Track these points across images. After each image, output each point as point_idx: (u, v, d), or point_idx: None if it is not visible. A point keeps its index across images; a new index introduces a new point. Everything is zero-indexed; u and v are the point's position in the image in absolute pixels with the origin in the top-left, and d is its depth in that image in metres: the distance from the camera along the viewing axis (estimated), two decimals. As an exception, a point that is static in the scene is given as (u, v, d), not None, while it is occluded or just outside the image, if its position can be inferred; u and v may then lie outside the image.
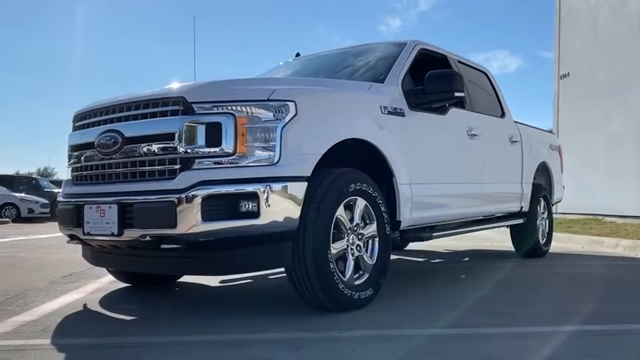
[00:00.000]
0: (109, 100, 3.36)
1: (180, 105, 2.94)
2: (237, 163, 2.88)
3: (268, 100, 2.96)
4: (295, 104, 3.00)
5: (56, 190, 23.12)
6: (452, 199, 4.40)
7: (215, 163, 2.88)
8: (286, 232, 2.92)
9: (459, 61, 5.12)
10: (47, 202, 19.72)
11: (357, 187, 3.29)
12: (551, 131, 11.36)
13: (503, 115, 5.63)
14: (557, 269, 5.33)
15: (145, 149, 3.01)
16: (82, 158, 3.36)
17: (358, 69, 4.33)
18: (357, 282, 3.30)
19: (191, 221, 2.79)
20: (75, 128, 3.54)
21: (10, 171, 65.57)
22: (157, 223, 2.87)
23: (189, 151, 2.89)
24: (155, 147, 2.97)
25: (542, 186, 6.44)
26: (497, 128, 5.34)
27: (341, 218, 3.20)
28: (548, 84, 12.98)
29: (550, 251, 6.54)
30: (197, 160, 2.89)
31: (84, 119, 3.44)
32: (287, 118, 2.97)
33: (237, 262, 3.00)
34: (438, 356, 2.37)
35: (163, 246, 2.92)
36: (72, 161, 3.50)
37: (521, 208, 5.78)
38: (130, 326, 3.04)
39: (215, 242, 2.89)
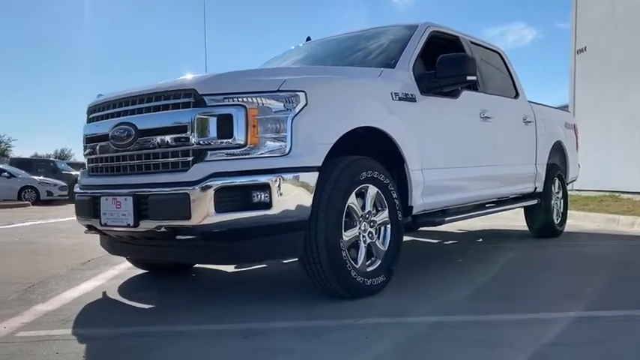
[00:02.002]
0: (122, 92, 3.39)
1: (191, 97, 2.96)
2: (249, 154, 2.90)
3: (278, 90, 2.97)
4: (305, 94, 3.01)
5: (74, 173, 23.45)
6: (464, 182, 4.40)
7: (227, 154, 2.92)
8: (298, 222, 2.96)
9: (472, 42, 5.06)
10: (65, 184, 20.01)
11: (369, 175, 3.31)
12: (566, 107, 11.21)
13: (517, 95, 5.57)
14: (570, 250, 5.32)
15: (158, 141, 3.05)
16: (97, 150, 3.41)
17: (369, 54, 4.30)
18: (370, 268, 3.34)
19: (205, 212, 2.83)
20: (89, 120, 3.58)
21: (28, 154, 66.51)
22: (171, 214, 2.92)
23: (201, 142, 2.92)
24: (168, 139, 3.01)
25: (557, 165, 6.39)
26: (511, 109, 5.29)
27: (353, 206, 3.23)
28: (565, 56, 12.75)
29: (565, 230, 6.54)
30: (210, 152, 2.92)
31: (98, 111, 3.48)
32: (297, 109, 2.98)
33: (251, 251, 3.05)
34: (450, 342, 2.41)
35: (178, 237, 2.98)
36: (87, 152, 3.55)
37: (535, 188, 5.75)
38: (149, 315, 3.12)
39: (229, 232, 2.93)
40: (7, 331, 2.70)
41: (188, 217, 2.85)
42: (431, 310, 3.02)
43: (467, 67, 3.90)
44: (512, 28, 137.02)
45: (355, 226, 3.27)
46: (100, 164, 3.41)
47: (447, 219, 4.11)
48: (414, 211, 3.81)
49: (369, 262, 3.37)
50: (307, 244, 3.04)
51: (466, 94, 4.40)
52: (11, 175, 19.73)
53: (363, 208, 3.33)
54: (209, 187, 2.83)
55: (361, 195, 3.33)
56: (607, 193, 10.94)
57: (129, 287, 3.81)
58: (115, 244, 3.60)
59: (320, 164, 3.01)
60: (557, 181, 6.33)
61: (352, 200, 3.23)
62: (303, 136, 2.97)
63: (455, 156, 4.25)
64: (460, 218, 4.38)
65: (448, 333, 2.60)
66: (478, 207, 4.84)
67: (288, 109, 2.97)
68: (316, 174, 2.99)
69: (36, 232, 7.80)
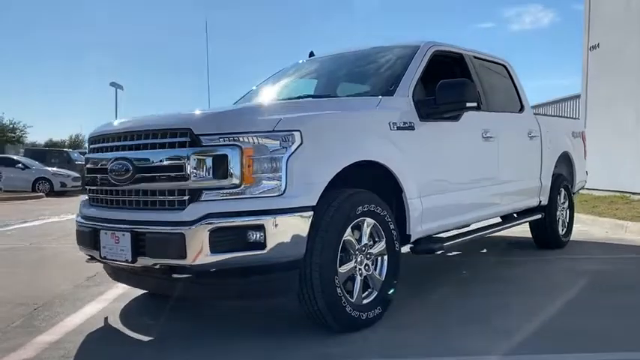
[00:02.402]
0: (120, 125, 3.44)
1: (187, 137, 2.99)
2: (244, 193, 2.93)
3: (274, 130, 2.98)
4: (301, 133, 3.02)
5: (87, 163, 23.67)
6: (465, 204, 4.39)
7: (223, 194, 2.95)
8: (293, 262, 2.99)
9: (476, 57, 5.02)
10: (78, 175, 20.25)
11: (365, 209, 3.32)
12: (579, 97, 10.97)
13: (522, 109, 5.52)
14: (572, 267, 5.29)
15: (155, 178, 3.08)
16: (97, 181, 3.46)
17: (369, 77, 4.30)
18: (366, 300, 3.37)
19: (200, 253, 2.87)
20: (90, 150, 3.62)
21: (43, 139, 67.14)
22: (167, 253, 2.97)
23: (197, 182, 2.95)
24: (164, 177, 3.05)
25: (564, 176, 6.34)
26: (515, 125, 5.26)
27: (349, 240, 3.25)
28: (582, 38, 12.44)
29: (573, 238, 6.55)
30: (205, 192, 2.96)
31: (98, 142, 3.52)
32: (292, 148, 2.99)
33: (247, 289, 3.10)
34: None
35: (175, 275, 3.03)
36: (87, 180, 3.60)
37: (540, 202, 5.72)
38: (148, 348, 3.18)
39: (224, 271, 2.98)
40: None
41: (184, 256, 2.90)
42: (423, 349, 3.03)
43: (466, 93, 3.89)
44: (529, 9, 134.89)
45: (351, 259, 3.29)
46: (101, 196, 3.45)
47: (445, 245, 4.11)
48: (413, 239, 3.83)
49: (366, 293, 3.40)
50: (302, 282, 3.07)
51: (468, 115, 4.36)
52: (25, 167, 20.00)
53: (359, 241, 3.35)
54: (204, 228, 2.86)
55: (358, 227, 3.35)
56: (618, 194, 10.82)
57: (131, 311, 3.88)
58: (117, 272, 3.66)
59: (315, 203, 3.03)
60: (563, 192, 6.29)
61: (348, 235, 3.24)
62: (298, 176, 2.98)
63: (455, 179, 4.24)
64: (460, 242, 4.37)
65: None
66: (479, 227, 4.85)
67: (283, 148, 2.98)
68: (311, 213, 3.01)
69: (46, 235, 7.94)
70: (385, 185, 3.64)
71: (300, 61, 5.23)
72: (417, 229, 3.83)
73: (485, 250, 6.37)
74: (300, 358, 2.91)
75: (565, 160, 6.44)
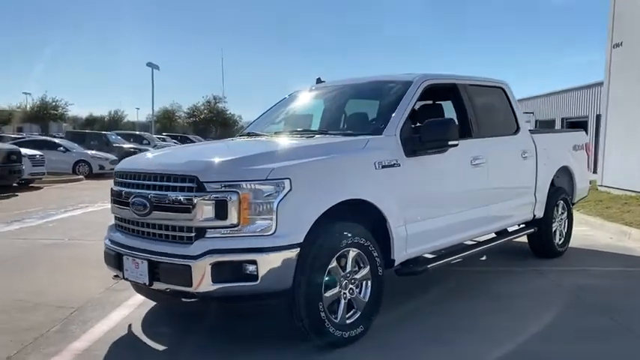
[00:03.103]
0: (141, 165, 3.99)
1: (194, 182, 3.51)
2: (241, 232, 3.45)
3: (267, 179, 3.47)
4: (290, 181, 3.51)
5: (125, 146, 24.69)
6: (452, 227, 4.79)
7: (223, 232, 3.47)
8: (281, 291, 3.51)
9: (471, 84, 5.38)
10: (116, 157, 21.15)
11: (349, 242, 3.80)
12: (597, 86, 10.92)
13: (517, 130, 5.85)
14: (563, 279, 5.66)
15: (167, 216, 3.63)
16: (121, 212, 4.03)
17: (363, 116, 4.75)
18: (349, 320, 3.86)
19: (203, 282, 3.42)
20: (116, 183, 4.18)
21: (84, 114, 69.27)
22: (177, 281, 3.53)
23: (202, 222, 3.48)
24: (175, 215, 3.59)
25: (562, 189, 6.67)
26: (508, 147, 5.62)
27: (334, 268, 3.74)
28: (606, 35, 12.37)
29: (574, 245, 7.00)
30: (208, 230, 3.49)
31: (122, 177, 4.08)
32: (283, 193, 3.48)
33: (242, 310, 3.65)
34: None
35: (184, 299, 3.59)
36: (114, 209, 4.18)
37: (535, 216, 6.08)
38: (162, 356, 3.77)
39: (224, 297, 3.53)
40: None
41: (190, 284, 3.45)
42: None
43: (449, 132, 4.30)
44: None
45: (336, 285, 3.78)
46: (124, 224, 4.03)
47: (429, 266, 4.57)
48: (397, 263, 4.29)
49: (350, 313, 3.89)
50: (291, 307, 3.60)
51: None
52: (66, 150, 21.05)
53: (344, 268, 3.84)
54: (207, 261, 3.41)
55: (343, 256, 3.83)
56: (634, 194, 10.96)
57: (150, 319, 4.46)
58: (138, 287, 4.24)
59: (301, 241, 3.53)
60: (561, 204, 6.62)
61: (333, 265, 3.73)
62: (286, 218, 3.48)
63: (441, 206, 4.66)
64: (443, 263, 4.79)
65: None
66: (469, 246, 5.27)
67: (275, 194, 3.47)
68: (297, 249, 3.51)
69: (85, 229, 8.67)
70: (371, 216, 4.10)
71: (308, 89, 5.69)
72: (402, 253, 4.29)
73: (484, 258, 6.78)
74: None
75: (565, 173, 6.76)
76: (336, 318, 3.78)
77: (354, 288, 3.91)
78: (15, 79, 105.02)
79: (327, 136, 4.51)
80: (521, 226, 6.18)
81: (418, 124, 4.62)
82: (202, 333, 4.20)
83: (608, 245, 7.46)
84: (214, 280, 3.42)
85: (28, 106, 53.35)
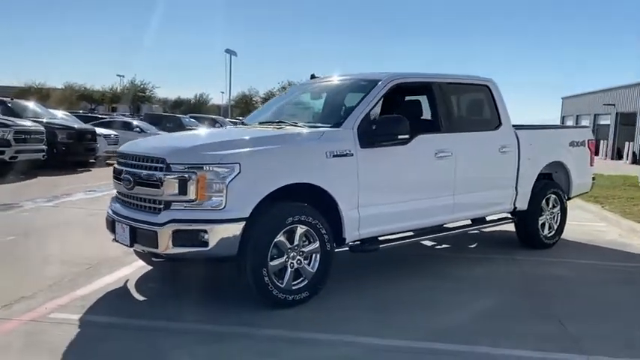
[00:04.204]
0: (132, 149, 4.82)
1: (164, 164, 4.29)
2: (197, 207, 4.20)
3: (219, 163, 4.19)
4: (239, 165, 4.20)
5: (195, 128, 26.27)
6: (412, 213, 5.28)
7: (184, 206, 4.23)
8: (228, 256, 4.23)
9: (448, 82, 5.80)
10: (186, 140, 22.67)
11: (296, 219, 4.44)
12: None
13: (499, 126, 6.18)
14: (533, 268, 5.99)
15: (145, 190, 4.44)
16: (118, 186, 4.89)
17: (332, 108, 5.35)
18: (296, 286, 4.52)
19: (166, 245, 4.20)
20: (117, 162, 5.04)
21: (173, 96, 72.98)
22: (148, 243, 4.34)
23: (168, 196, 4.26)
24: (150, 190, 4.39)
25: (552, 183, 6.92)
26: (483, 142, 5.98)
27: (281, 241, 4.40)
28: None
29: (576, 239, 7.40)
30: (173, 203, 4.26)
31: (120, 157, 4.93)
32: (232, 175, 4.18)
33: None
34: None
35: (153, 258, 4.41)
36: (114, 183, 5.04)
37: (515, 208, 6.41)
38: (144, 308, 4.58)
39: (184, 258, 4.33)
40: (45, 312, 4.30)
41: (157, 247, 4.25)
42: (331, 328, 4.12)
43: (399, 128, 4.84)
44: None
45: (283, 256, 4.45)
46: (119, 196, 4.90)
47: (381, 246, 5.13)
48: (348, 241, 4.89)
49: (297, 281, 4.55)
50: (239, 271, 4.32)
51: (420, 139, 5.26)
52: (142, 131, 22.75)
53: (291, 242, 4.49)
54: (169, 228, 4.18)
55: (291, 232, 4.48)
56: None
57: (146, 277, 5.32)
58: (138, 253, 5.13)
59: (247, 216, 4.22)
60: (552, 198, 6.87)
61: (280, 238, 4.39)
62: (235, 196, 4.18)
63: (398, 193, 5.17)
64: (395, 245, 5.31)
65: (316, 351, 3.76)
66: (436, 230, 5.75)
67: (226, 176, 4.18)
68: (243, 223, 4.20)
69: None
70: (324, 198, 4.71)
71: (300, 83, 6.33)
72: (354, 233, 4.88)
73: (474, 245, 7.18)
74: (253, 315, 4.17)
75: (558, 167, 6.98)
76: (282, 283, 4.45)
77: (302, 259, 4.55)
78: (110, 62, 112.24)
79: (296, 127, 5.14)
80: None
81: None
82: (181, 290, 5.03)
83: (610, 241, 7.56)
84: (174, 244, 4.19)
85: (118, 88, 57.29)
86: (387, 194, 5.10)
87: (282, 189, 4.40)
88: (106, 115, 34.09)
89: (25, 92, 60.60)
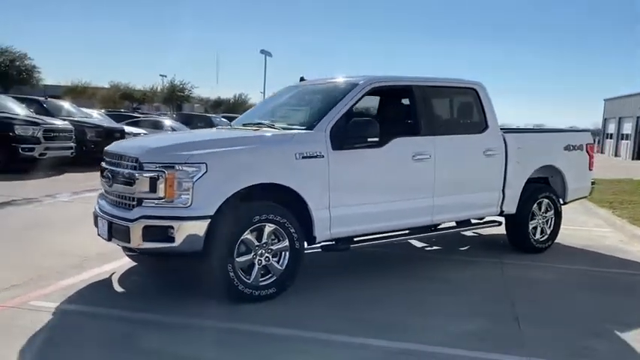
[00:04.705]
0: (114, 148, 5.08)
1: (137, 162, 4.53)
2: (166, 204, 4.41)
3: (186, 163, 4.39)
4: (206, 165, 4.40)
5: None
6: (386, 214, 5.36)
7: (155, 203, 4.46)
8: (194, 252, 4.43)
9: (430, 86, 5.86)
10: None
11: (263, 218, 4.61)
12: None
13: (485, 129, 6.19)
14: (517, 272, 5.99)
15: (121, 188, 4.69)
16: (102, 183, 5.17)
17: (309, 110, 5.48)
18: (263, 282, 4.69)
19: (137, 240, 4.44)
20: (102, 160, 5.32)
21: (214, 95, 74.25)
22: (122, 238, 4.58)
23: (140, 193, 4.49)
24: (125, 188, 4.64)
25: (545, 187, 6.87)
26: (466, 145, 6.00)
27: (248, 239, 4.57)
28: None
29: (575, 244, 7.39)
30: (144, 200, 4.49)
31: (105, 156, 5.20)
32: (199, 175, 4.38)
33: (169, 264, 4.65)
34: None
35: (126, 253, 4.66)
36: (100, 180, 5.32)
37: (502, 211, 6.40)
38: (122, 300, 4.83)
39: (154, 252, 4.55)
40: (27, 299, 4.60)
41: (129, 241, 4.50)
42: (292, 324, 4.27)
43: (369, 130, 4.96)
44: None
45: (251, 253, 4.62)
46: (104, 193, 5.17)
47: (352, 246, 5.24)
48: (319, 240, 5.02)
49: (265, 278, 4.71)
50: (205, 266, 4.52)
51: (397, 142, 5.36)
52: (173, 130, 23.40)
53: (260, 239, 4.66)
54: (140, 224, 4.42)
55: (259, 230, 4.65)
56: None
57: (131, 271, 5.58)
58: (124, 249, 5.36)
59: (212, 214, 4.41)
60: (545, 202, 6.82)
61: (247, 236, 4.57)
62: (201, 194, 4.38)
63: (372, 194, 5.26)
64: (367, 245, 5.40)
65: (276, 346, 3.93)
66: (416, 231, 5.82)
67: (193, 175, 4.38)
68: (208, 221, 4.40)
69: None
70: (296, 199, 4.86)
71: (288, 86, 6.50)
72: (325, 232, 5.01)
73: (466, 248, 7.20)
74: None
75: (552, 171, 6.93)
76: (249, 279, 4.62)
77: (271, 257, 4.72)
78: (153, 62, 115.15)
79: (272, 129, 5.31)
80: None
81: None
82: (162, 284, 5.27)
83: (609, 247, 7.44)
84: (144, 239, 4.42)
85: (158, 88, 58.70)
86: (360, 195, 5.21)
87: (254, 188, 4.58)
88: (147, 114, 35.09)
89: (72, 91, 62.80)
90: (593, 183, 7.55)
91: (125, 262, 5.80)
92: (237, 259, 4.55)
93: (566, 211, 8.68)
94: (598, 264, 6.50)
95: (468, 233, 7.81)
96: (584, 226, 8.98)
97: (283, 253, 4.79)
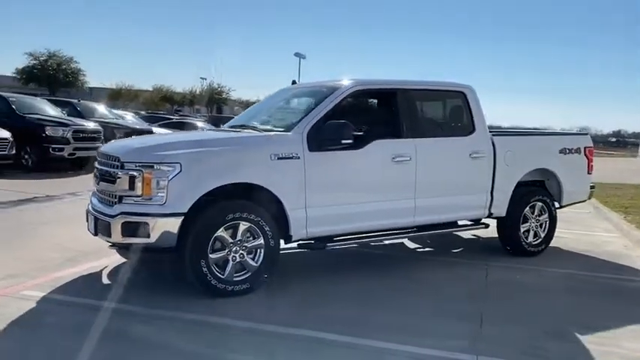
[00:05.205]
0: (103, 148, 5.37)
1: (118, 162, 4.80)
2: (143, 201, 4.67)
3: (162, 162, 4.64)
4: (180, 164, 4.63)
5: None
6: (365, 215, 5.48)
7: (133, 200, 4.72)
8: (168, 248, 4.67)
9: (416, 89, 5.95)
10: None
11: (237, 216, 4.80)
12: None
13: (472, 131, 6.22)
14: (500, 274, 6.01)
15: (106, 186, 4.97)
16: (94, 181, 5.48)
17: (292, 112, 5.65)
18: (238, 278, 4.88)
19: (117, 235, 4.71)
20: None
21: (249, 95, 75.43)
22: (104, 233, 4.87)
23: (121, 191, 4.76)
24: (108, 185, 4.91)
25: (538, 190, 6.85)
26: (450, 147, 6.07)
27: (221, 236, 4.78)
28: None
29: (575, 248, 7.34)
30: (124, 197, 4.76)
31: (97, 155, 5.50)
32: (173, 174, 4.61)
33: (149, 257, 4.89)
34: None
35: (109, 246, 4.94)
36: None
37: (492, 213, 6.42)
38: (106, 290, 5.11)
39: (133, 247, 4.80)
40: (19, 289, 4.93)
41: (110, 236, 4.77)
42: (259, 318, 4.44)
43: (343, 132, 5.09)
44: None
45: (225, 249, 4.82)
46: (95, 190, 5.48)
47: (329, 244, 5.38)
48: (295, 239, 5.19)
49: (240, 274, 4.91)
50: (180, 261, 4.75)
51: (377, 143, 5.49)
52: (202, 130, 23.98)
53: (234, 237, 4.86)
54: (119, 220, 4.68)
55: (234, 227, 4.85)
56: None
57: (124, 265, 5.83)
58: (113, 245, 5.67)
59: (185, 211, 4.63)
60: (538, 205, 6.80)
61: (221, 233, 4.77)
62: (175, 192, 4.62)
63: (349, 195, 5.39)
64: (343, 245, 5.54)
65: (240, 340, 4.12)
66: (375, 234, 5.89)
67: (167, 174, 4.62)
68: (181, 218, 4.62)
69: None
70: (272, 198, 5.04)
71: (281, 89, 6.69)
72: (302, 231, 5.17)
73: (460, 250, 7.23)
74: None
75: (546, 175, 6.89)
76: (223, 274, 4.83)
77: (246, 254, 4.91)
78: (194, 66, 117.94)
79: (253, 131, 5.51)
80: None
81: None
82: (149, 278, 5.52)
83: (610, 252, 7.33)
84: (123, 235, 4.69)
85: (197, 91, 60.12)
86: (338, 196, 5.34)
87: (231, 187, 4.79)
88: (185, 116, 36.07)
89: (116, 94, 64.85)
90: (592, 187, 7.45)
91: (119, 258, 6.09)
92: (210, 256, 4.76)
93: (578, 215, 8.59)
94: (591, 269, 6.44)
95: (467, 236, 7.82)
96: (591, 230, 8.85)
97: (258, 250, 4.97)
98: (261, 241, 4.95)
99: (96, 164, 5.39)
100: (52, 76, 45.04)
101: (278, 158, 5.02)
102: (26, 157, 14.05)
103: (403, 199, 5.74)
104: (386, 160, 5.58)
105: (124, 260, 5.94)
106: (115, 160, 4.88)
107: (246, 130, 5.56)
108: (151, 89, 64.93)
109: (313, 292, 5.18)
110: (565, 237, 7.90)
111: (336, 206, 5.33)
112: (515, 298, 5.22)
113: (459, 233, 7.66)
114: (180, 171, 4.63)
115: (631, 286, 5.80)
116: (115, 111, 21.07)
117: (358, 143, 5.34)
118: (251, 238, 4.95)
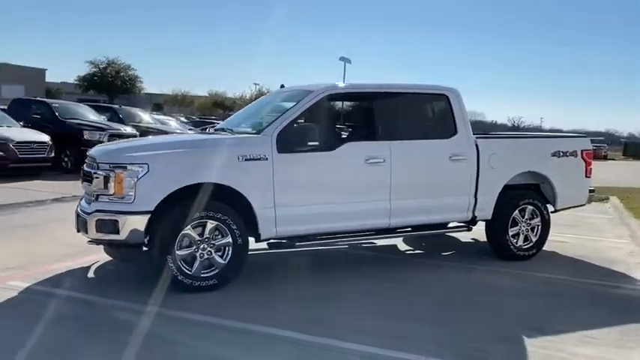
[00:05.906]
0: (91, 150, 5.73)
1: (95, 162, 5.14)
2: (115, 200, 4.97)
3: (131, 163, 4.93)
4: (148, 165, 4.91)
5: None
6: (337, 215, 5.58)
7: (107, 199, 5.03)
8: (136, 244, 4.95)
9: (393, 92, 6.03)
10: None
11: (204, 214, 5.03)
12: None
13: (453, 134, 6.21)
14: (482, 278, 5.99)
15: (86, 185, 5.32)
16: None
17: (267, 115, 5.84)
18: (205, 274, 5.11)
19: (93, 231, 5.04)
20: (86, 160, 6.00)
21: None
22: (83, 229, 5.21)
23: (97, 190, 5.09)
24: (87, 185, 5.26)
25: (528, 193, 6.73)
26: (428, 150, 6.10)
27: (188, 234, 5.02)
28: None
29: (575, 254, 7.18)
30: (100, 196, 5.08)
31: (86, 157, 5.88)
32: (141, 174, 4.90)
33: (122, 255, 5.20)
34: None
35: (87, 241, 5.28)
36: (82, 180, 6.00)
37: (475, 216, 6.38)
38: (88, 284, 5.46)
39: (107, 243, 5.13)
40: (8, 280, 5.34)
41: (87, 232, 5.11)
42: (223, 313, 4.64)
43: (307, 135, 5.24)
44: None
45: (192, 246, 5.06)
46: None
47: (297, 244, 5.52)
48: (264, 237, 5.37)
49: (208, 270, 5.13)
50: (149, 256, 5.02)
51: (350, 145, 5.62)
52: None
53: (202, 235, 5.09)
54: (94, 217, 5.01)
55: (202, 225, 5.08)
56: None
57: (111, 263, 6.16)
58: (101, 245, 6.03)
59: (152, 209, 4.90)
60: (528, 208, 6.69)
61: (188, 230, 5.02)
62: (143, 191, 4.90)
63: (320, 196, 5.52)
64: (312, 245, 5.66)
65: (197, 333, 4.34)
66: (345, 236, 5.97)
67: (136, 174, 4.91)
68: (148, 216, 4.89)
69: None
70: (240, 198, 5.25)
71: (269, 92, 6.89)
72: (271, 230, 5.35)
73: (452, 252, 7.21)
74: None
75: (538, 178, 6.77)
76: (190, 270, 5.06)
77: (214, 251, 5.13)
78: (246, 72, 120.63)
79: (228, 134, 5.74)
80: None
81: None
82: (134, 274, 5.83)
83: (610, 258, 7.08)
84: (97, 231, 5.02)
85: (247, 96, 61.36)
86: (308, 196, 5.48)
87: (201, 187, 5.01)
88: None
89: (173, 99, 66.90)
90: (592, 191, 7.25)
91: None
92: (177, 252, 5.00)
93: (595, 219, 8.28)
94: (578, 274, 6.29)
95: (464, 239, 7.74)
96: (601, 235, 8.59)
97: (226, 248, 5.18)
98: (229, 239, 5.16)
99: (84, 165, 5.75)
100: (110, 83, 47.04)
101: (245, 159, 5.21)
102: (66, 159, 14.93)
103: (377, 200, 5.81)
104: (359, 161, 5.67)
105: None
106: (92, 161, 5.22)
107: (223, 133, 5.79)
108: (206, 95, 67.02)
109: (282, 291, 5.34)
110: (568, 242, 7.72)
111: (307, 206, 5.47)
112: (481, 302, 5.19)
113: (456, 236, 7.63)
114: (148, 171, 4.91)
115: (612, 293, 5.63)
116: (161, 116, 21.84)
117: (331, 145, 5.48)
118: (219, 236, 5.16)
